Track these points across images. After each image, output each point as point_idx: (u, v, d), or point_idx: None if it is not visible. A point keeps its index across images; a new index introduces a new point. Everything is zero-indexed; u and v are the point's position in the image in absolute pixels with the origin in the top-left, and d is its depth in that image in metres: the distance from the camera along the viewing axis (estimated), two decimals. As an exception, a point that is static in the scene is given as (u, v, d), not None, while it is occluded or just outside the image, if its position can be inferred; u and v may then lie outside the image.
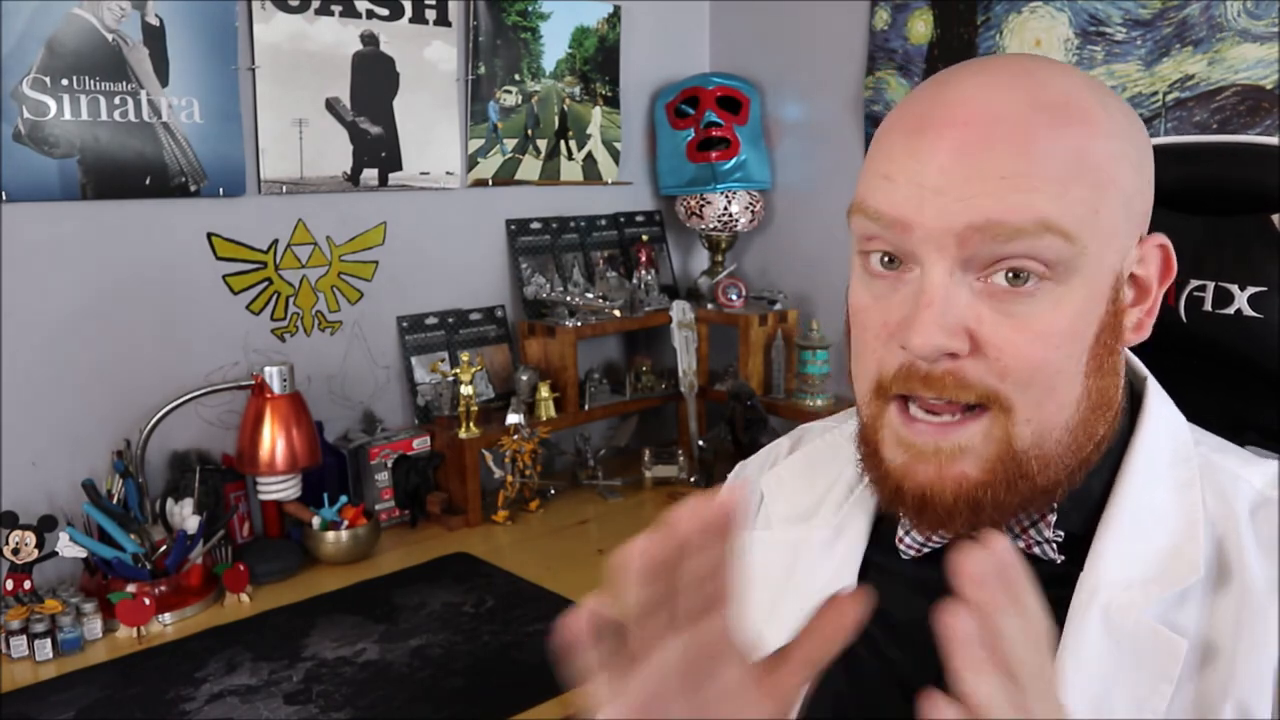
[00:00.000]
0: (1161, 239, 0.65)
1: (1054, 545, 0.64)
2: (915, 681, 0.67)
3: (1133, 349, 0.72)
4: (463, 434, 1.90)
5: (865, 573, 0.72)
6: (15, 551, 1.47)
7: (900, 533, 0.69)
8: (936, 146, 0.59)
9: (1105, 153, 0.60)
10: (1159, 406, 0.68)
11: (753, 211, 2.34)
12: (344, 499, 1.76)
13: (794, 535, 0.76)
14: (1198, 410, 0.71)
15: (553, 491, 2.06)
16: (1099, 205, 0.59)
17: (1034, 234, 0.57)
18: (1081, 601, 0.62)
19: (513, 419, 1.95)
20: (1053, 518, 0.64)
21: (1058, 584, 0.63)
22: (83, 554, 1.51)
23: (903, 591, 0.70)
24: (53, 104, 1.55)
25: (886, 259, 0.62)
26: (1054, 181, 0.57)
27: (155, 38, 1.64)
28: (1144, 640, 0.60)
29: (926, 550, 0.68)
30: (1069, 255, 0.58)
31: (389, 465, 1.89)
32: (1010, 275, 0.58)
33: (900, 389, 0.61)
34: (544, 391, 2.04)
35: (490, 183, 2.12)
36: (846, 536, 0.73)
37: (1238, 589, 0.60)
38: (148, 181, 1.66)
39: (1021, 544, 0.65)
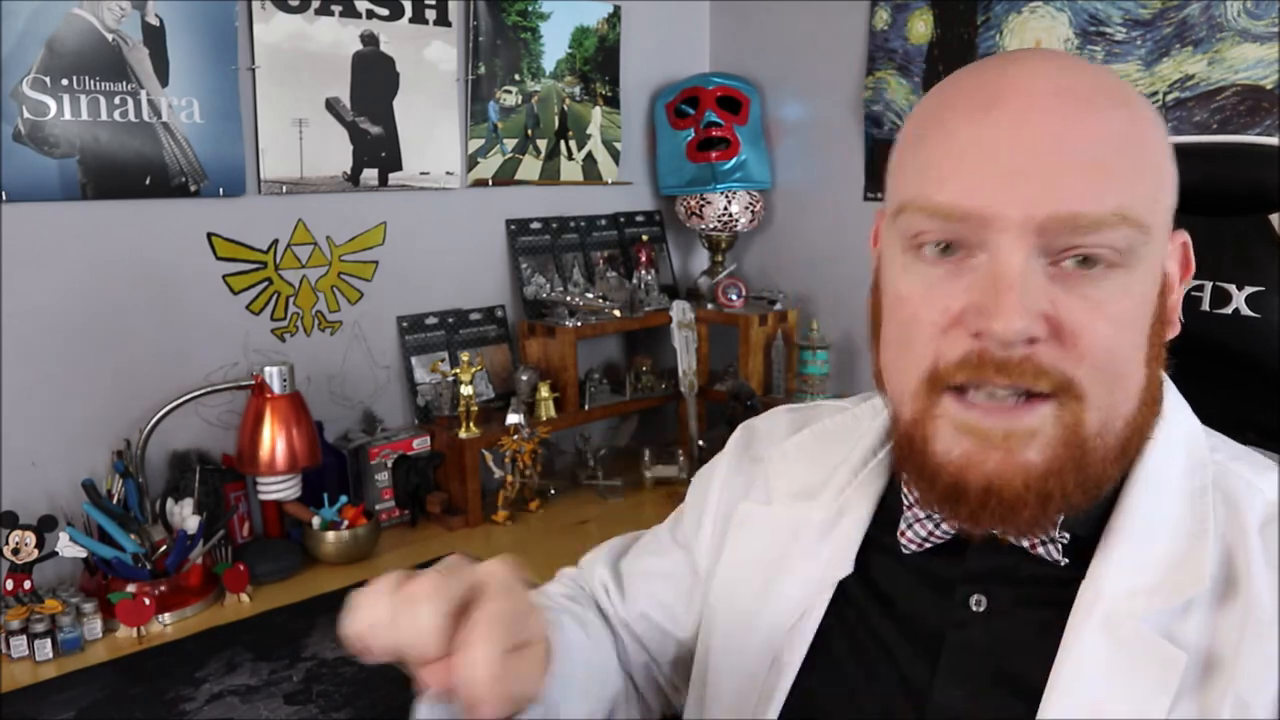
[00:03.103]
0: (1184, 236, 0.64)
1: (1059, 546, 0.63)
2: (915, 669, 0.67)
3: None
4: (463, 434, 1.90)
5: (867, 558, 0.71)
6: (15, 551, 1.47)
7: (903, 525, 0.68)
8: (1014, 122, 0.56)
9: (1155, 139, 0.59)
10: (1176, 412, 0.66)
11: (753, 211, 2.34)
12: (344, 499, 1.76)
13: (795, 514, 0.75)
14: (1197, 410, 0.71)
15: (553, 491, 2.05)
16: (1158, 194, 0.59)
17: (1112, 226, 0.56)
18: (1083, 608, 0.61)
19: (513, 419, 1.95)
20: (1059, 517, 0.62)
21: (1060, 586, 0.63)
22: (83, 554, 1.50)
23: (904, 579, 0.69)
24: (53, 104, 1.55)
25: (943, 246, 0.59)
26: (1126, 169, 0.57)
27: (155, 38, 1.64)
28: (1143, 651, 0.58)
29: (929, 545, 0.67)
30: (1139, 244, 0.57)
31: (389, 465, 1.89)
32: (1080, 260, 0.57)
33: (967, 377, 0.58)
34: (544, 391, 2.04)
35: (490, 183, 2.12)
36: (846, 521, 0.72)
37: (1243, 603, 0.58)
38: (148, 181, 1.66)
39: (1026, 543, 0.64)
